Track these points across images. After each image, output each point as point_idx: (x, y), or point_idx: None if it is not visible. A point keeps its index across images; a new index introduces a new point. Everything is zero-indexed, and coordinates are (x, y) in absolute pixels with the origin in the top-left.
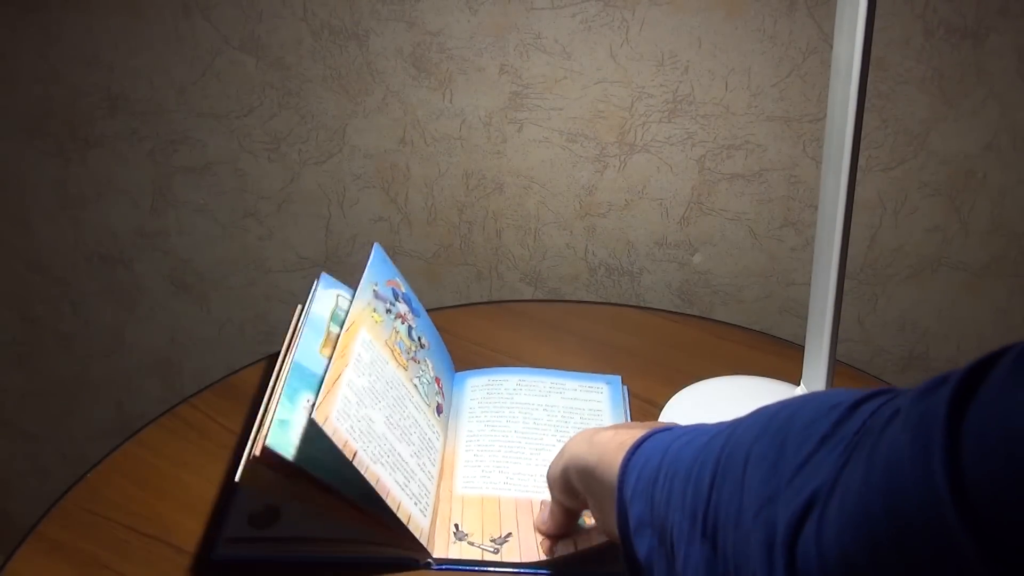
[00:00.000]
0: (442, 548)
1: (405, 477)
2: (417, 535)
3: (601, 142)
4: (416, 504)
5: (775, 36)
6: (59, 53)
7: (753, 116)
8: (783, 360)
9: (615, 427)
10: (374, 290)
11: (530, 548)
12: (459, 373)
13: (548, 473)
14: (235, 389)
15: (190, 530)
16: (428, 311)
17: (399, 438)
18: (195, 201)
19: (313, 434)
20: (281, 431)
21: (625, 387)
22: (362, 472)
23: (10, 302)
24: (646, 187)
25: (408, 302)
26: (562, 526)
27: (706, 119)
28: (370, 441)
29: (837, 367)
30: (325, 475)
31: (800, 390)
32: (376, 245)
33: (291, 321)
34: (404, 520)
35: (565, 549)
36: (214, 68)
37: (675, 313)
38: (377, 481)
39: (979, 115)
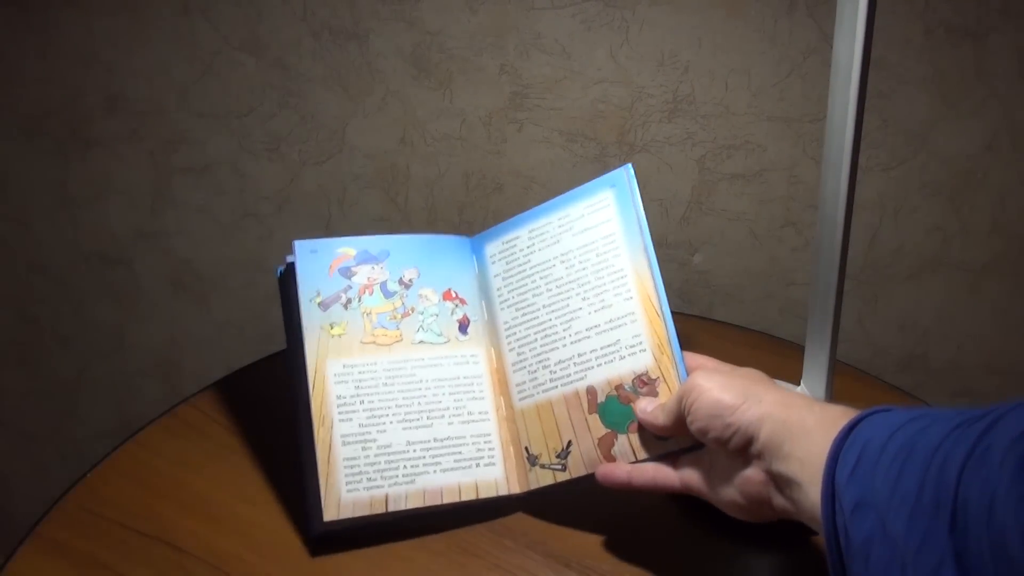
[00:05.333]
0: (523, 479)
1: (454, 458)
2: (493, 492)
3: (601, 142)
4: (477, 466)
5: (775, 36)
6: (59, 53)
7: (753, 116)
8: (783, 360)
9: (806, 401)
10: (317, 304)
11: (591, 456)
12: (475, 239)
13: (692, 408)
14: (235, 389)
15: (190, 530)
16: None
17: (426, 423)
18: (195, 201)
19: (338, 527)
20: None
21: (630, 176)
22: (405, 508)
23: (10, 302)
24: (646, 187)
25: (368, 261)
26: (670, 431)
27: (706, 119)
28: (397, 468)
29: (837, 367)
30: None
31: (800, 390)
32: (296, 248)
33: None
34: (472, 497)
35: (623, 456)
36: (214, 68)
37: (675, 313)
38: (425, 495)
39: (979, 115)
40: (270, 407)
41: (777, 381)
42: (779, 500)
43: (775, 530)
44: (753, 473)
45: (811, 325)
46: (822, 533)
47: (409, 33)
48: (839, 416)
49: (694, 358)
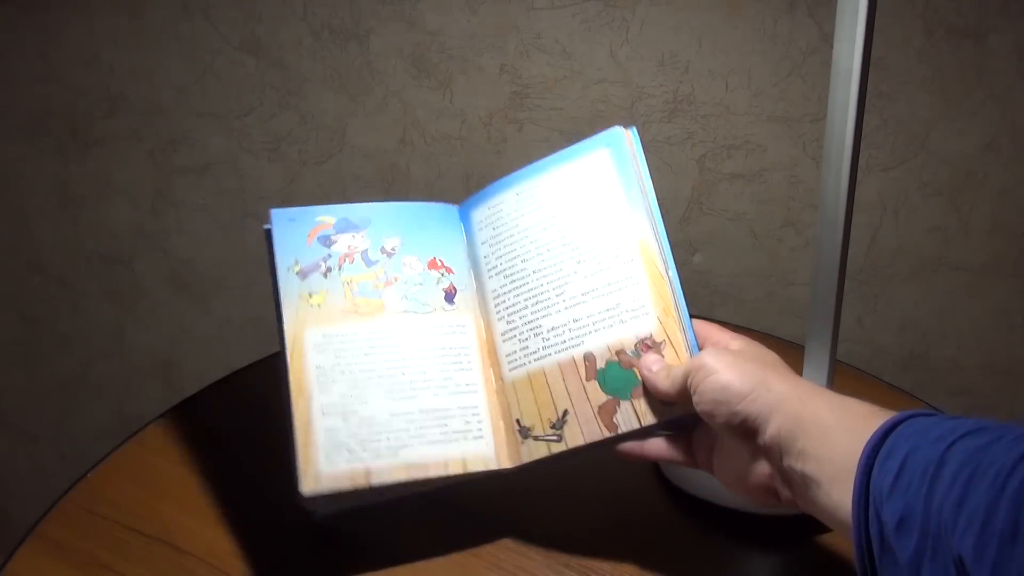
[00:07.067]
0: (514, 454)
1: (439, 431)
2: (482, 467)
3: None
4: (465, 439)
5: (775, 36)
6: (59, 53)
7: (753, 116)
8: (783, 360)
9: (819, 392)
10: (296, 273)
11: (590, 426)
12: (463, 206)
13: (702, 390)
14: (235, 389)
15: (191, 530)
16: None
17: (410, 394)
18: (195, 201)
19: (318, 501)
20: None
21: (633, 137)
22: (389, 482)
23: (10, 302)
24: None
25: (348, 229)
26: (673, 399)
27: (706, 119)
28: (379, 440)
29: (837, 367)
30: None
31: None
32: (273, 216)
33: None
34: (459, 471)
35: (627, 423)
36: (214, 68)
37: None
38: (408, 469)
39: (979, 115)
40: (270, 407)
41: None
42: (786, 493)
43: (776, 530)
44: (760, 465)
45: (811, 325)
46: (849, 536)
47: (409, 33)
48: (864, 415)
49: (703, 326)
